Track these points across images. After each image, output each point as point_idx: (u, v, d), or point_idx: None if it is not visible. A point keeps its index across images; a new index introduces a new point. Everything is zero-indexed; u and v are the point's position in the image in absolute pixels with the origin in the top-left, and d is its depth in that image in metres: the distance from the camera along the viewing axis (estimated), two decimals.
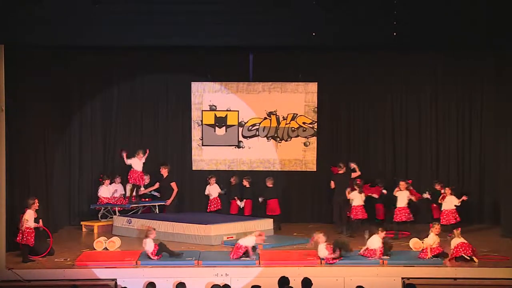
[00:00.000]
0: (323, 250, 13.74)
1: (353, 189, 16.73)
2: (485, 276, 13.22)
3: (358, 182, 16.82)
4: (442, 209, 16.49)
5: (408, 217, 16.38)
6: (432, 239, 13.96)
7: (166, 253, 14.02)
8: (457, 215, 16.34)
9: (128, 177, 17.87)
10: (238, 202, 17.95)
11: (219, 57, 18.19)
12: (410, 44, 15.25)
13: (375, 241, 14.02)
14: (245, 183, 18.13)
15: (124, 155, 17.74)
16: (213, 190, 18.20)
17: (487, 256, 14.36)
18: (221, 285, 11.75)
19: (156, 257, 13.89)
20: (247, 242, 14.04)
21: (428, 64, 18.52)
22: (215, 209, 18.12)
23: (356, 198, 16.60)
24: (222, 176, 18.58)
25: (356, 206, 16.55)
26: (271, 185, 17.85)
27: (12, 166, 14.52)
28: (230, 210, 18.12)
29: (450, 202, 16.39)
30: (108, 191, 17.99)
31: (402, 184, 16.54)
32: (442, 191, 16.86)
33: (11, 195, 14.40)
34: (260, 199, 17.85)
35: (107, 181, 18.01)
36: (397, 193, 16.54)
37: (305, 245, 14.94)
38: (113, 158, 18.69)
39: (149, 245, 14.01)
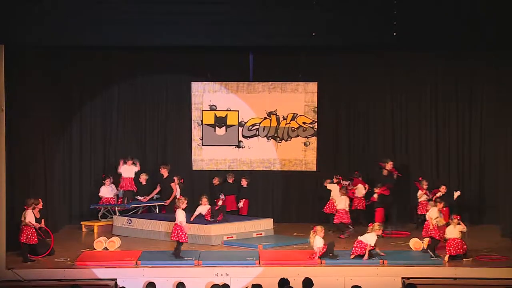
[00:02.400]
0: (319, 241, 13.83)
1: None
2: (485, 276, 13.23)
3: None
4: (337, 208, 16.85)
5: None
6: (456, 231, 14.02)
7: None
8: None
9: (120, 185, 17.91)
10: (220, 202, 17.72)
11: (219, 57, 18.19)
12: (410, 44, 15.24)
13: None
14: (244, 182, 18.16)
15: (121, 162, 17.86)
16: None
17: (487, 256, 14.37)
18: (221, 285, 11.75)
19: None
20: (370, 240, 13.87)
21: (428, 64, 18.50)
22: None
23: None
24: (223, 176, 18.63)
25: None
26: (231, 181, 18.14)
27: (12, 166, 14.51)
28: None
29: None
30: (108, 191, 17.99)
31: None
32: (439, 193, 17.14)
33: (11, 195, 14.39)
34: (221, 196, 17.75)
35: (108, 181, 18.02)
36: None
37: (305, 245, 14.93)
38: (113, 158, 18.71)
39: (181, 216, 14.25)
